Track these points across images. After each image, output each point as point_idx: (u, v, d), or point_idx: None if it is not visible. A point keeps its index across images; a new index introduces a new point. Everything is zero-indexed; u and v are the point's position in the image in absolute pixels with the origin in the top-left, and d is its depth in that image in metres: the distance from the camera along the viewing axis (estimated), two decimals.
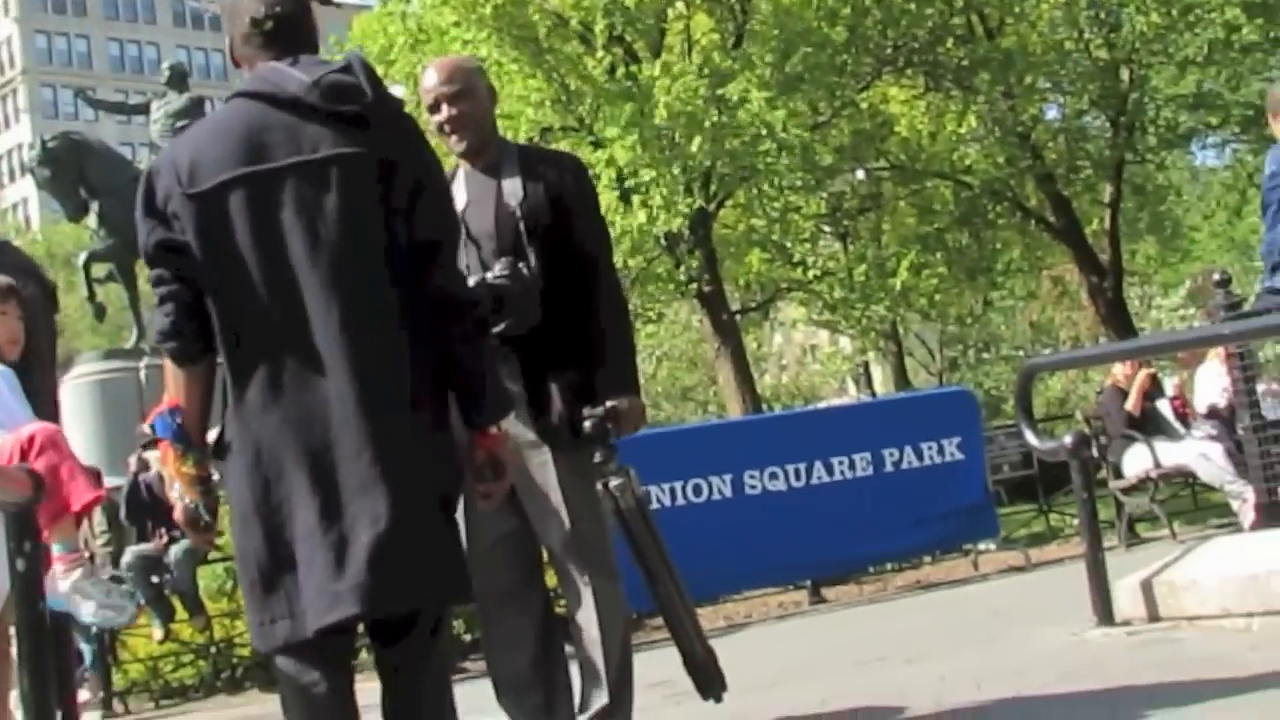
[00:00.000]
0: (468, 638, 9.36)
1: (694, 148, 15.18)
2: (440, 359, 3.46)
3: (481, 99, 4.53)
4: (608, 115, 15.49)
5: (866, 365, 32.41)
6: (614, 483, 4.22)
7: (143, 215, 3.58)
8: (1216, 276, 7.50)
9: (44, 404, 5.36)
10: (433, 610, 3.47)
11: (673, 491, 10.07)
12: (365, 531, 3.27)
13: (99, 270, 18.96)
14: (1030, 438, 6.61)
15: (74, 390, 16.32)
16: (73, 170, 17.85)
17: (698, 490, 10.22)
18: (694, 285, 17.95)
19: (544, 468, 4.29)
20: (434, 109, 4.49)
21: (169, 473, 3.65)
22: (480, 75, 4.65)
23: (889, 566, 12.27)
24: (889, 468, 10.98)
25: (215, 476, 3.64)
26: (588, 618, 4.25)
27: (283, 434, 3.36)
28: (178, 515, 3.59)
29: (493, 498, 3.66)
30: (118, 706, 11.17)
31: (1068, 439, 6.54)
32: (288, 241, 3.36)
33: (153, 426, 3.64)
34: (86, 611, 4.80)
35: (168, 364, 3.66)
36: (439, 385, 3.46)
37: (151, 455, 11.54)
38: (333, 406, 3.33)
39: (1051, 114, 22.23)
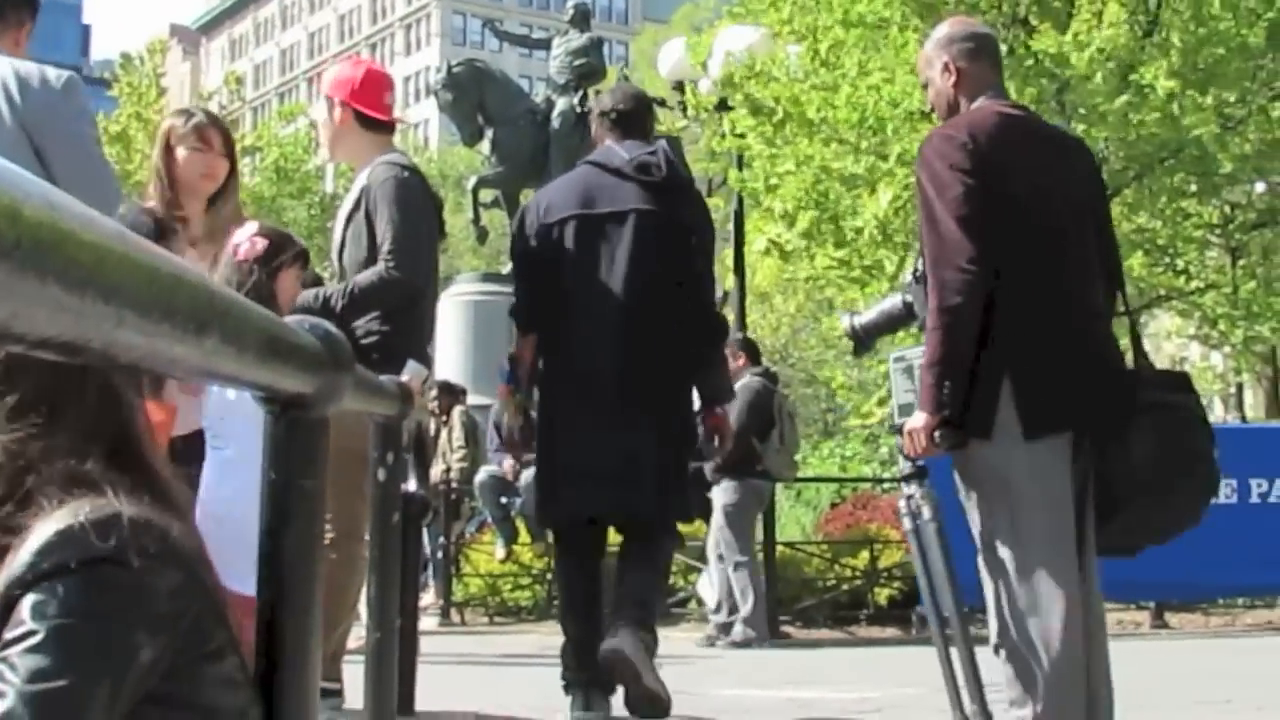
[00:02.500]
0: None
1: (1094, 134, 14.67)
2: (689, 357, 5.31)
3: None
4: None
5: (1240, 386, 30.97)
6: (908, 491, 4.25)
7: (517, 232, 5.66)
8: None
9: (429, 317, 5.53)
10: (656, 517, 5.32)
11: None
12: (620, 457, 5.14)
13: (486, 195, 19.56)
14: None
15: (450, 307, 16.91)
16: (473, 97, 18.43)
17: None
18: None
19: None
20: None
21: (505, 406, 5.63)
22: None
23: (1240, 601, 11.71)
24: (1254, 498, 10.47)
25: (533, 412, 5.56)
26: None
27: (578, 384, 5.30)
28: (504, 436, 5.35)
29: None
30: (454, 616, 11.58)
31: None
32: (600, 262, 5.27)
33: (500, 373, 5.47)
34: None
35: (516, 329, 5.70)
36: (685, 375, 5.34)
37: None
38: (611, 373, 5.19)
39: None
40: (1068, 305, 3.92)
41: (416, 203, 5.20)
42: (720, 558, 9.99)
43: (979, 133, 3.93)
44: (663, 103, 16.60)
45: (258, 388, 1.56)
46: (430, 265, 5.30)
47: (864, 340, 4.29)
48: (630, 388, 5.16)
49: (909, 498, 4.16)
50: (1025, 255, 3.89)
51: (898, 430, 4.11)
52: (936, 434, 3.85)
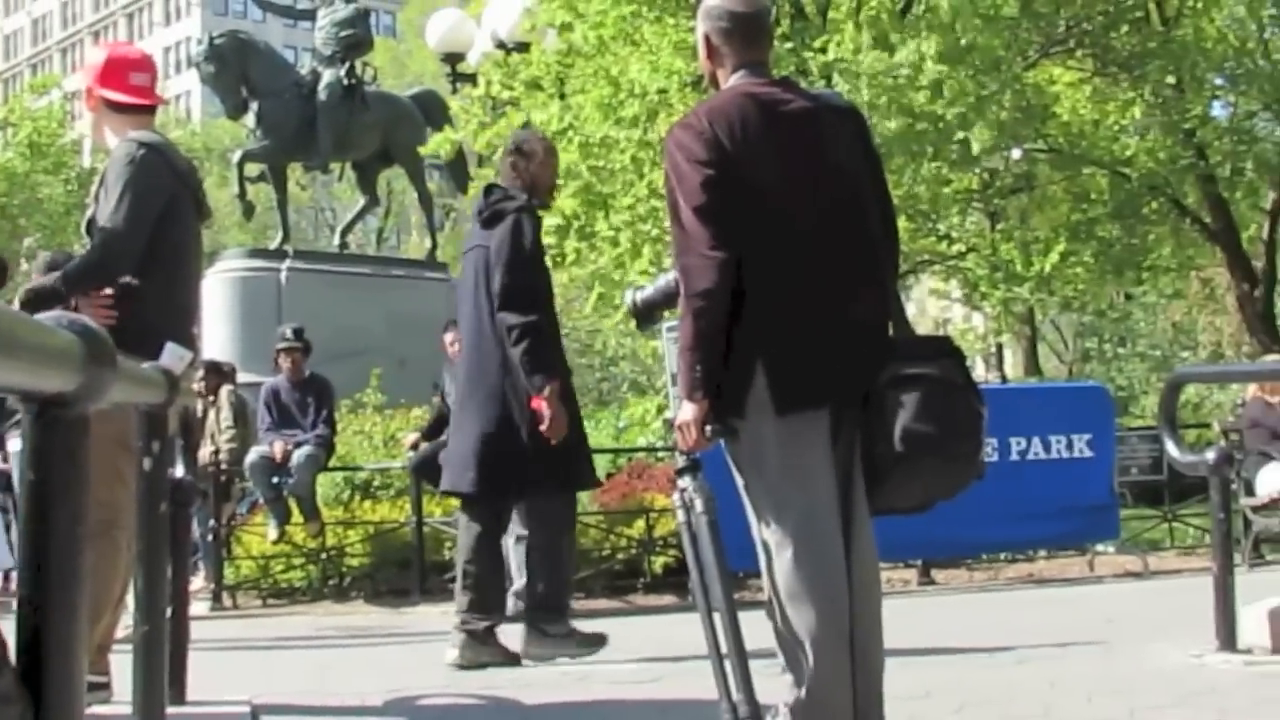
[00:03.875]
0: None
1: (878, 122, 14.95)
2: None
3: None
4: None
5: (999, 347, 31.99)
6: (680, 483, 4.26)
7: None
8: None
9: (191, 296, 5.44)
10: None
11: None
12: None
13: (252, 169, 19.19)
14: (1172, 450, 6.44)
15: (216, 284, 16.59)
16: (237, 69, 18.04)
17: None
18: None
19: None
20: None
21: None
22: None
23: (1002, 556, 12.11)
24: (1014, 456, 10.81)
25: None
26: None
27: None
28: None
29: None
30: (226, 600, 11.37)
31: (1211, 454, 6.36)
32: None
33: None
34: None
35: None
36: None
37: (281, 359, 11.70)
38: None
39: (1219, 112, 21.68)
40: (816, 281, 3.99)
41: (145, 180, 5.11)
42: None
43: (718, 119, 4.00)
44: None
45: (14, 391, 1.51)
46: (141, 243, 5.14)
47: (645, 315, 4.32)
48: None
49: (682, 490, 4.21)
50: (769, 236, 3.97)
51: (670, 425, 4.18)
52: (707, 429, 3.94)
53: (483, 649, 6.93)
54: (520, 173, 7.13)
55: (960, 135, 14.97)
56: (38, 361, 1.45)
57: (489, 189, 7.26)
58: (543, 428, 6.62)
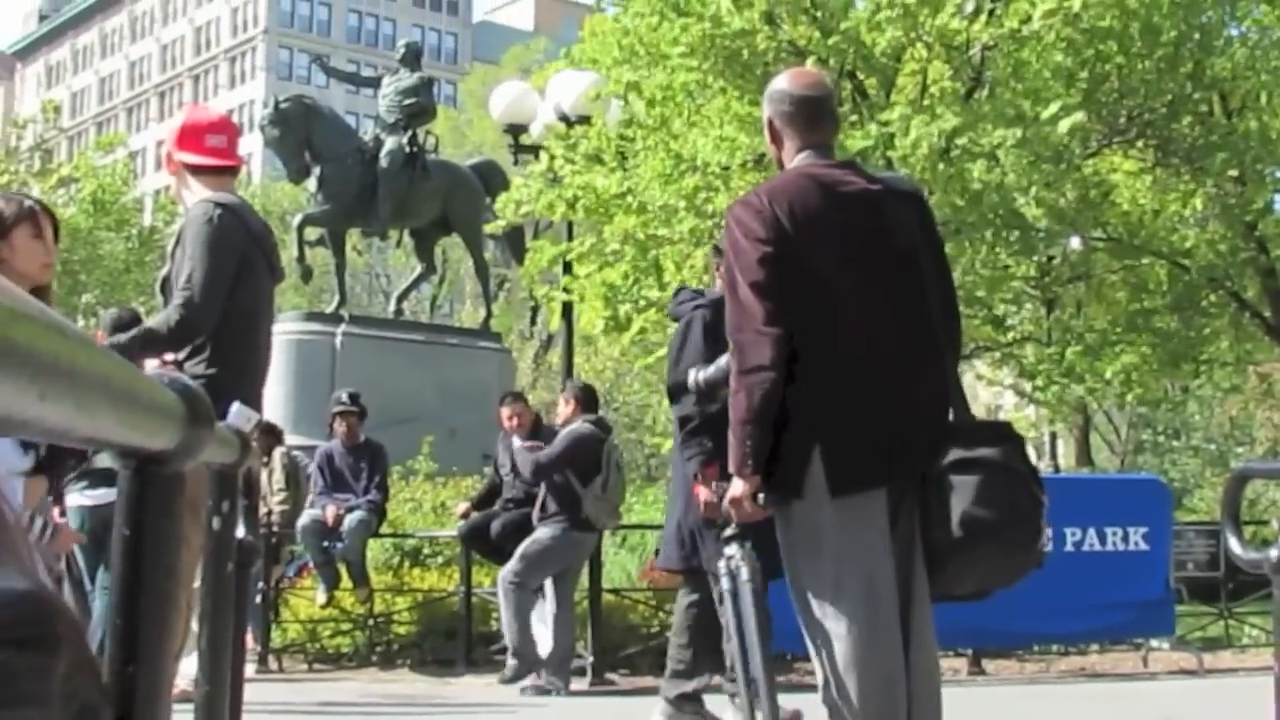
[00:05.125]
0: None
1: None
2: None
3: None
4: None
5: (1053, 435, 31.82)
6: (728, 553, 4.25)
7: None
8: None
9: (261, 357, 5.47)
10: None
11: None
12: None
13: (311, 233, 19.36)
14: (1235, 546, 6.27)
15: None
16: (301, 133, 18.25)
17: None
18: None
19: None
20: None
21: None
22: None
23: (1054, 648, 11.96)
24: (1069, 547, 10.70)
25: None
26: None
27: None
28: None
29: None
30: (272, 663, 11.36)
31: (1274, 552, 6.24)
32: None
33: None
34: None
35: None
36: None
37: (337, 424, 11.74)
38: None
39: None
40: (874, 362, 3.99)
41: (221, 241, 5.15)
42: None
43: (778, 198, 4.03)
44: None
45: (118, 446, 1.51)
46: (219, 304, 5.18)
47: (707, 394, 4.32)
48: None
49: (729, 559, 4.19)
50: (827, 316, 3.97)
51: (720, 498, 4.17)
52: (759, 497, 3.93)
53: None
54: (721, 274, 7.18)
55: (1020, 201, 14.92)
56: (146, 418, 1.45)
57: (677, 291, 7.68)
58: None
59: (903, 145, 14.26)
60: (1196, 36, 17.70)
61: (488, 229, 17.57)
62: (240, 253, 5.24)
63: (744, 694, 4.10)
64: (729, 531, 4.27)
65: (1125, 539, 10.90)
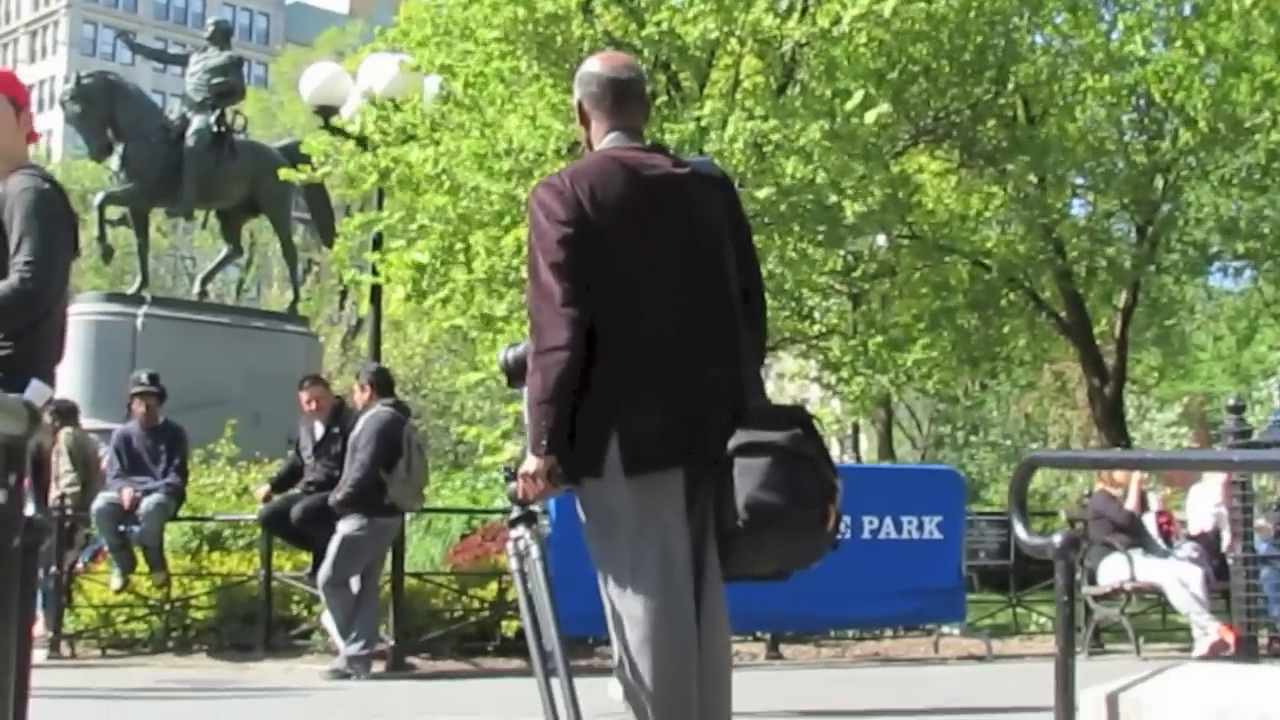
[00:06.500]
0: None
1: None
2: None
3: None
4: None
5: (856, 428, 32.37)
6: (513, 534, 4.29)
7: None
8: (1230, 402, 7.47)
9: (60, 334, 5.30)
10: None
11: None
12: None
13: (113, 213, 18.94)
14: (1021, 532, 6.50)
15: (71, 326, 16.22)
16: (104, 110, 17.84)
17: None
18: None
19: None
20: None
21: None
22: None
23: (850, 634, 12.21)
24: (866, 534, 10.90)
25: None
26: None
27: None
28: None
29: None
30: (64, 649, 11.08)
31: (1057, 539, 6.45)
32: None
33: None
34: None
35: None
36: None
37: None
38: None
39: (1079, 210, 22.23)
40: (673, 345, 4.04)
41: (55, 216, 5.01)
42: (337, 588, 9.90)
43: (580, 180, 4.07)
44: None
45: None
46: (63, 281, 5.09)
47: (517, 373, 4.32)
48: None
49: (517, 539, 4.23)
50: (627, 298, 4.02)
51: (511, 476, 4.18)
52: (552, 474, 3.96)
53: None
54: None
55: (833, 199, 15.16)
56: None
57: None
58: None
59: (719, 141, 14.38)
60: (1002, 43, 18.14)
61: (286, 174, 17.25)
62: (72, 226, 5.12)
63: (540, 672, 4.12)
64: (516, 513, 4.28)
65: (920, 528, 11.15)
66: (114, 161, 18.28)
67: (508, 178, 14.77)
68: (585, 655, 9.06)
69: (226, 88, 18.89)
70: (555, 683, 4.11)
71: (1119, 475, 12.03)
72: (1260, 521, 8.08)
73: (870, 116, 14.68)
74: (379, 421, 9.97)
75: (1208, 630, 10.80)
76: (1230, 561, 7.49)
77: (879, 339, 18.22)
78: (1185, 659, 9.03)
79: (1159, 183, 19.79)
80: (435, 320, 16.72)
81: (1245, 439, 6.84)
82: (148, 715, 7.51)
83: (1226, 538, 8.34)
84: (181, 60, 20.36)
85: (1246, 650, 7.01)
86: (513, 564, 4.27)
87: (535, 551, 4.18)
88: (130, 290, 19.16)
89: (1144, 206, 19.94)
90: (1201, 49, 17.99)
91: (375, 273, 15.97)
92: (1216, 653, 9.78)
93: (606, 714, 4.19)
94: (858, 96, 14.89)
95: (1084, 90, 18.33)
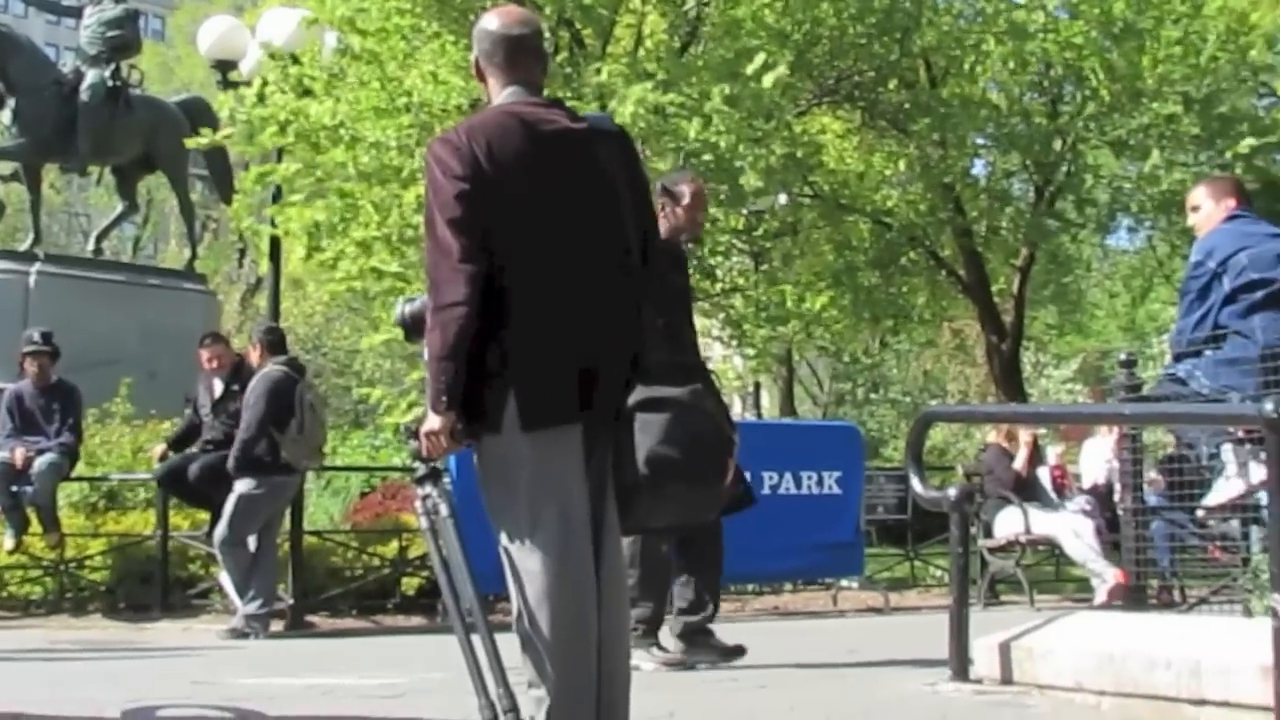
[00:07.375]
0: None
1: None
2: None
3: None
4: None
5: (757, 386, 32.51)
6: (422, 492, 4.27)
7: None
8: (1122, 357, 7.57)
9: None
10: None
11: None
12: None
13: (4, 168, 18.59)
14: (917, 485, 6.63)
15: None
16: None
17: None
18: None
19: None
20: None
21: None
22: None
23: (749, 588, 12.30)
24: (765, 489, 10.96)
25: None
26: None
27: None
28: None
29: None
30: None
31: (952, 492, 6.58)
32: None
33: None
34: None
35: None
36: None
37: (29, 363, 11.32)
38: None
39: (979, 170, 22.40)
40: (570, 301, 4.03)
41: None
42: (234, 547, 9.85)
43: (476, 135, 4.05)
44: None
45: None
46: None
47: (415, 328, 4.29)
48: None
49: (425, 497, 4.22)
50: (524, 254, 4.01)
51: (412, 434, 4.16)
52: (454, 431, 3.95)
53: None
54: (666, 215, 7.01)
55: (737, 163, 15.18)
56: None
57: None
58: None
59: (620, 110, 14.31)
60: (907, 5, 18.20)
61: (189, 143, 17.03)
62: None
63: (459, 630, 4.11)
64: (422, 471, 4.26)
65: (820, 483, 11.26)
66: (5, 116, 17.88)
67: (409, 132, 14.66)
68: (489, 612, 9.05)
69: (122, 41, 18.54)
70: (475, 639, 4.10)
71: (1020, 433, 12.19)
72: (1151, 474, 8.19)
73: (768, 80, 14.70)
74: (269, 381, 9.92)
75: (1105, 577, 11.00)
76: (1121, 513, 7.60)
77: (785, 287, 18.27)
78: (1078, 609, 9.18)
79: (1058, 144, 19.99)
80: (334, 281, 16.55)
81: (1137, 393, 6.94)
82: (42, 675, 7.41)
83: (1118, 490, 8.47)
84: (75, 12, 19.94)
85: (1135, 599, 7.14)
86: (423, 523, 4.26)
87: (445, 509, 4.17)
88: (23, 247, 18.80)
89: (1042, 167, 20.15)
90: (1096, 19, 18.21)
91: (274, 225, 15.79)
92: (1116, 597, 9.95)
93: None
94: (758, 60, 14.89)
95: (987, 55, 18.45)
